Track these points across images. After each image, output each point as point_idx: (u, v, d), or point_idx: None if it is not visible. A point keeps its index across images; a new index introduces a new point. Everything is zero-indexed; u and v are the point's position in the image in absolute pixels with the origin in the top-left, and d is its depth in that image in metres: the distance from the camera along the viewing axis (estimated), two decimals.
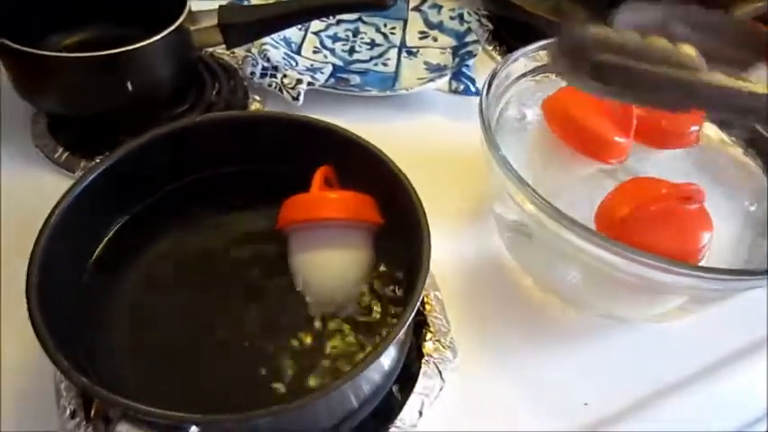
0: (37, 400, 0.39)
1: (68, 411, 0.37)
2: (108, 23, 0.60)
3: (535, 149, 0.46)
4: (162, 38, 0.49)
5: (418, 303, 0.32)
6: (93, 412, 0.37)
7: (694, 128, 0.46)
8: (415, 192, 0.37)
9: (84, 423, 0.36)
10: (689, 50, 0.33)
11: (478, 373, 0.42)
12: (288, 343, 0.37)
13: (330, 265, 0.39)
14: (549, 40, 0.45)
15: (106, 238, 0.39)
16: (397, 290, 0.39)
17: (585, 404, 0.41)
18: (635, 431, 0.40)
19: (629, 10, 0.51)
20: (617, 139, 0.42)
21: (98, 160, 0.39)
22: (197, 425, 0.27)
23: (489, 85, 0.43)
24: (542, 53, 0.47)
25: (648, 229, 0.39)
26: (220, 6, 0.54)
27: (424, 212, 0.36)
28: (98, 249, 0.39)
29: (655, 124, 0.45)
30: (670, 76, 0.32)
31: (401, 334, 0.31)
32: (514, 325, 0.45)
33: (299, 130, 0.40)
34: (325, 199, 0.39)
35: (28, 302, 0.32)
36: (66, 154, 0.52)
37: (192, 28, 0.53)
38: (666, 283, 0.37)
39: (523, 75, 0.47)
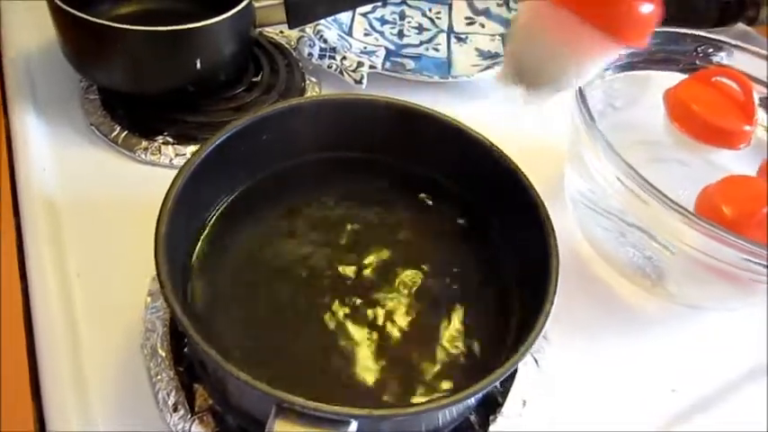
0: (127, 392, 0.37)
1: (170, 404, 0.35)
2: None
3: None
4: (233, 14, 0.47)
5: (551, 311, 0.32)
6: (197, 405, 0.35)
7: (747, 127, 0.48)
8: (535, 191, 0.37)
9: (189, 416, 0.35)
10: None
11: (571, 359, 0.42)
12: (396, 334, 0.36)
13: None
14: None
15: (217, 210, 0.39)
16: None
17: (673, 390, 0.42)
18: (723, 417, 0.41)
19: None
20: (746, 128, 0.44)
21: (231, 125, 0.37)
22: (360, 419, 0.26)
23: None
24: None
25: (759, 231, 0.40)
26: None
27: (542, 203, 0.36)
28: (210, 220, 0.39)
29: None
30: None
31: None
32: (595, 311, 0.46)
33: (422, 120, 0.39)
34: None
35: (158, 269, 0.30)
36: (124, 133, 0.49)
37: (256, 5, 0.51)
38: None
39: (611, 65, 0.47)
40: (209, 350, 0.26)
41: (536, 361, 0.41)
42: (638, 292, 0.47)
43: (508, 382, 0.39)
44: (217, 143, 0.35)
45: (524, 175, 0.37)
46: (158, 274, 0.29)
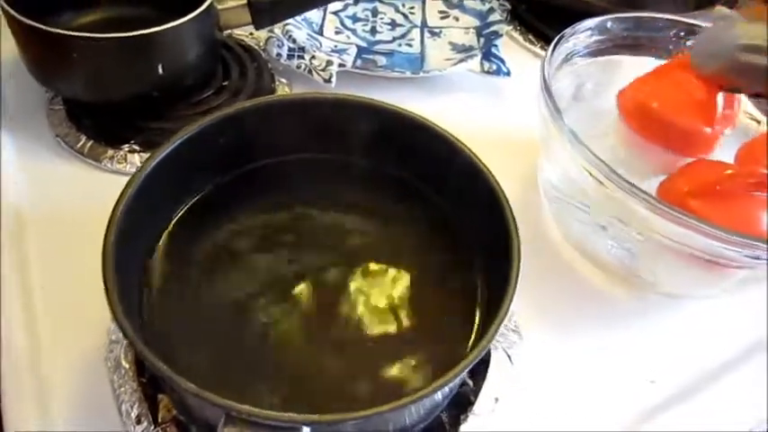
0: (91, 403, 0.36)
1: (133, 416, 0.35)
2: (115, 3, 0.56)
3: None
4: (193, 17, 0.46)
5: (510, 308, 0.31)
6: (160, 416, 0.35)
7: (728, 111, 0.46)
8: (502, 191, 0.35)
9: (152, 428, 0.34)
10: None
11: (545, 354, 0.41)
12: (357, 337, 0.35)
13: None
14: (611, 17, 0.45)
15: (174, 219, 0.38)
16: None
17: (652, 382, 0.41)
18: (703, 408, 0.40)
19: None
20: (707, 130, 0.41)
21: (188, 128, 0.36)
22: (310, 425, 0.26)
23: (551, 55, 0.43)
24: (609, 26, 0.46)
25: (712, 208, 0.39)
26: None
27: (508, 204, 0.35)
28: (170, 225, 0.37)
29: None
30: None
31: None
32: (570, 303, 0.45)
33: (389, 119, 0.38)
34: None
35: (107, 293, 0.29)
36: (90, 143, 0.48)
37: (220, 7, 0.51)
38: (733, 257, 0.37)
39: (580, 51, 0.46)
40: (151, 357, 0.26)
41: (509, 357, 0.40)
42: (615, 283, 0.46)
43: (480, 379, 0.39)
44: (168, 150, 0.35)
45: (486, 168, 0.36)
46: (105, 283, 0.29)
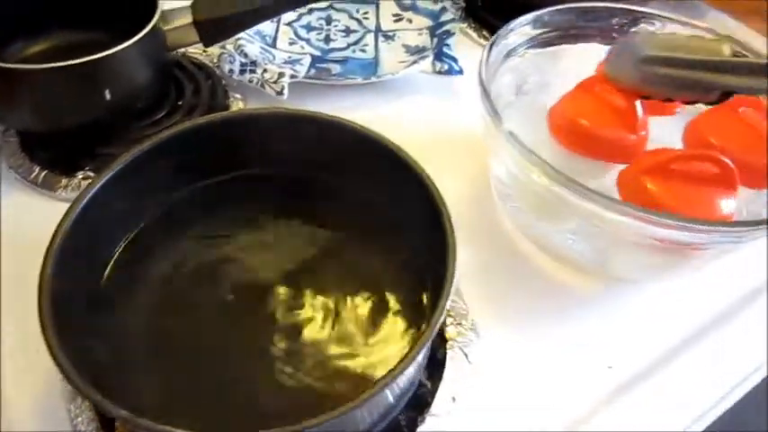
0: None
1: None
2: (67, 30, 0.56)
3: None
4: (137, 41, 0.47)
5: (448, 304, 0.31)
6: None
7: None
8: (443, 200, 0.35)
9: None
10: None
11: (503, 350, 0.42)
12: (309, 350, 0.35)
13: None
14: (548, 10, 0.45)
15: (119, 248, 0.38)
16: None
17: (610, 367, 0.42)
18: (661, 389, 0.41)
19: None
20: (631, 137, 0.42)
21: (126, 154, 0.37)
22: None
23: (488, 55, 0.43)
24: (547, 19, 0.46)
25: (668, 191, 0.39)
26: (194, 2, 0.51)
27: (450, 218, 0.35)
28: (110, 261, 0.37)
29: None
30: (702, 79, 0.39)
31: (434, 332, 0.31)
32: (528, 297, 0.45)
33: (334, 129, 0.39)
34: None
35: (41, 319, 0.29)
36: (43, 173, 0.49)
37: (165, 28, 0.51)
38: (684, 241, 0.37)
39: (521, 46, 0.47)
40: (83, 385, 0.26)
41: (466, 356, 0.41)
42: (572, 274, 0.46)
43: (437, 380, 0.39)
44: (108, 178, 0.35)
45: (410, 157, 0.37)
46: (40, 312, 0.29)
